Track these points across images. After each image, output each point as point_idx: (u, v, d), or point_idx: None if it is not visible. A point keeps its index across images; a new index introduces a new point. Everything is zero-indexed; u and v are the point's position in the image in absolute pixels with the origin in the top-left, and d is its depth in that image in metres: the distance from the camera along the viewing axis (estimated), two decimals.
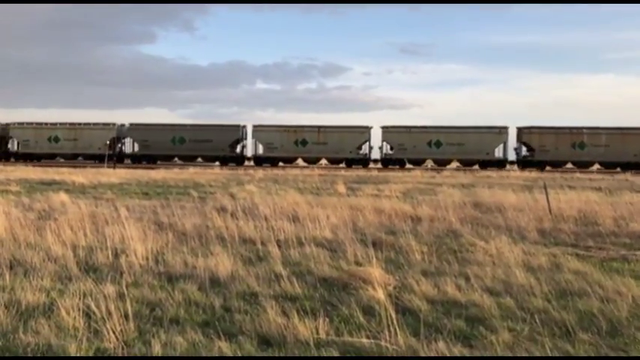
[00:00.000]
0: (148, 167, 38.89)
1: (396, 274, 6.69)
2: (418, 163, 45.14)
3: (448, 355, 4.25)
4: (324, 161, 47.34)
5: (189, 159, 47.36)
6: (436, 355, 4.25)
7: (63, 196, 13.99)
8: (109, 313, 4.82)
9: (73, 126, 49.16)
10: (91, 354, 4.30)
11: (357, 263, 7.14)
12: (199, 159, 47.87)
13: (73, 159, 48.23)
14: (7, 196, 15.44)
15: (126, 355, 4.29)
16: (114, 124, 48.80)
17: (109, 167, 36.82)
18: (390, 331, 4.55)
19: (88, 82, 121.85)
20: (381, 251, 7.87)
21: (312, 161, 46.27)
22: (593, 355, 4.35)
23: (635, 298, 5.64)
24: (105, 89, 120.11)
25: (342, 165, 45.46)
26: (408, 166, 44.25)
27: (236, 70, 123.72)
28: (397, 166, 43.84)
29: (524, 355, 4.31)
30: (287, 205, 12.23)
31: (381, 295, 5.52)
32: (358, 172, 34.88)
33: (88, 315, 4.96)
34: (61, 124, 49.47)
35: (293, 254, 7.71)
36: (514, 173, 34.09)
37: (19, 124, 50.00)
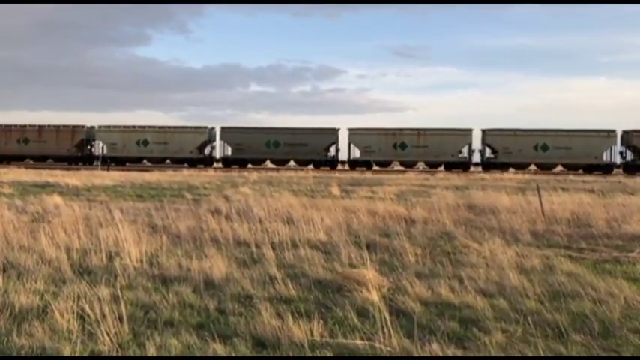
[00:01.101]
0: (143, 169, 38.63)
1: (390, 275, 6.71)
2: (522, 167, 43.25)
3: (442, 356, 4.27)
4: (421, 165, 45.91)
5: (281, 163, 46.46)
6: (430, 356, 4.27)
7: (56, 199, 13.95)
8: (104, 316, 4.82)
9: (163, 129, 47.93)
10: (85, 356, 4.30)
11: (352, 265, 7.16)
12: (291, 163, 46.85)
13: (160, 163, 47.01)
14: (0, 199, 15.38)
15: (120, 357, 4.29)
16: (205, 128, 47.61)
17: (102, 169, 36.70)
18: (384, 333, 4.57)
19: (81, 84, 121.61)
20: (375, 253, 7.90)
21: (409, 165, 45.21)
22: (585, 356, 4.38)
23: (627, 300, 5.68)
24: (98, 91, 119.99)
25: (441, 169, 44.01)
26: (511, 170, 41.94)
27: (230, 72, 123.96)
28: (499, 171, 41.19)
29: (517, 356, 4.33)
30: (281, 208, 12.24)
31: (375, 296, 5.54)
32: (353, 175, 34.92)
33: (82, 317, 4.96)
34: (149, 127, 48.22)
35: (287, 256, 7.72)
36: (507, 175, 34.19)
37: (105, 127, 48.59)
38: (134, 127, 48.53)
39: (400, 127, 46.36)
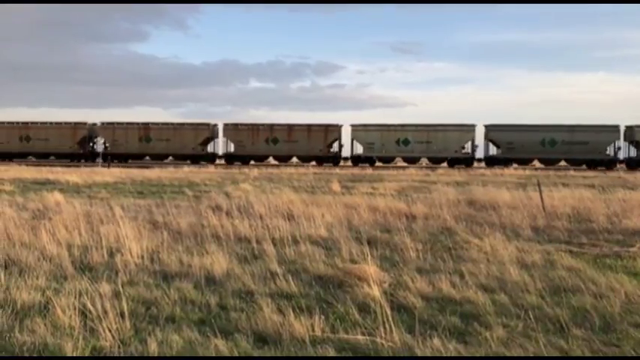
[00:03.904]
0: (143, 166, 38.49)
1: (391, 271, 6.72)
2: None
3: (443, 352, 4.27)
4: None
5: (552, 162, 42.95)
6: (431, 353, 4.27)
7: (57, 196, 13.94)
8: (105, 312, 4.82)
9: (425, 127, 44.58)
10: (87, 353, 4.30)
11: (353, 261, 7.16)
12: (562, 162, 43.19)
13: (416, 162, 43.96)
14: (1, 196, 15.40)
15: (122, 353, 4.30)
16: (472, 125, 44.08)
17: (103, 166, 36.69)
18: (385, 328, 4.57)
19: (79, 81, 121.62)
20: (376, 249, 7.90)
21: None
22: (586, 350, 4.39)
23: (628, 294, 5.68)
24: (96, 88, 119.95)
25: None
26: None
27: (229, 68, 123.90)
28: None
29: (518, 355, 4.33)
30: (282, 204, 12.23)
31: (376, 292, 5.55)
32: (353, 171, 34.91)
33: (83, 314, 4.97)
34: (410, 125, 45.04)
35: (288, 252, 7.73)
36: (508, 171, 34.15)
37: (362, 125, 45.31)
38: (394, 125, 45.29)
39: None
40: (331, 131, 45.79)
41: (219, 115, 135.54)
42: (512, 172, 33.65)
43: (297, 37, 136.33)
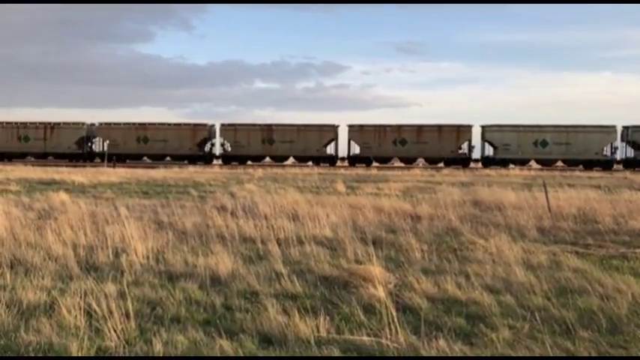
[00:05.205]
0: (148, 166, 38.52)
1: (396, 272, 6.71)
2: None
3: (448, 353, 4.25)
4: None
5: None
6: (437, 354, 4.26)
7: (63, 196, 13.98)
8: (110, 312, 4.83)
9: (565, 128, 42.91)
10: (92, 353, 4.31)
11: (358, 262, 7.15)
12: None
13: (551, 164, 42.46)
14: (7, 196, 15.45)
15: (127, 353, 4.30)
16: (613, 127, 42.73)
17: (108, 166, 36.77)
18: (390, 329, 4.56)
19: (84, 81, 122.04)
20: (381, 249, 7.88)
21: None
22: (593, 352, 4.37)
23: (635, 296, 5.65)
24: (101, 88, 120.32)
25: None
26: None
27: (234, 69, 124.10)
28: None
29: (524, 355, 4.31)
30: (287, 204, 12.23)
31: (381, 293, 5.53)
32: (357, 171, 34.88)
33: (89, 314, 4.97)
34: (549, 126, 43.56)
35: (293, 253, 7.72)
36: (513, 172, 34.03)
37: (497, 126, 43.67)
38: (530, 126, 43.72)
39: None
40: (463, 132, 44.51)
41: (224, 116, 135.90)
42: (518, 172, 33.54)
43: (302, 38, 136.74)
